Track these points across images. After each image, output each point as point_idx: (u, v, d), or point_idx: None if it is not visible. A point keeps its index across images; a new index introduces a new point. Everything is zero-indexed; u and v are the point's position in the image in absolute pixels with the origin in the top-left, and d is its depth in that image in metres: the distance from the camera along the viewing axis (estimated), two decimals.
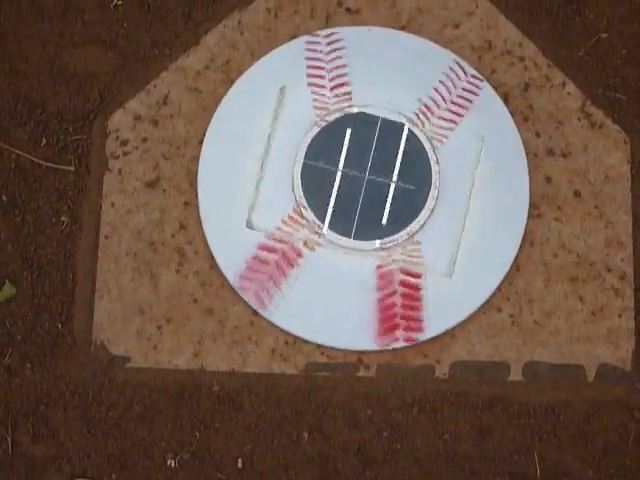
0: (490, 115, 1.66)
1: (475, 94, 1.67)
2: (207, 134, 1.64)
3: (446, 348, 1.60)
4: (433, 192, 1.62)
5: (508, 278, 1.61)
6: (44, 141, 1.66)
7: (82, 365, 1.59)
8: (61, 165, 1.65)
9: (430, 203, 1.62)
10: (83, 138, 1.66)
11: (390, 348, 1.59)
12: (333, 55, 1.67)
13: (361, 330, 1.59)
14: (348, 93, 1.65)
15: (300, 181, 1.62)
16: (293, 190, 1.62)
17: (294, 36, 1.68)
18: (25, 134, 1.66)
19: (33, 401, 1.59)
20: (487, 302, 1.60)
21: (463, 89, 1.66)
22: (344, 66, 1.66)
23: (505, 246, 1.62)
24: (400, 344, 1.59)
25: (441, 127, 1.65)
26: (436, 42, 1.68)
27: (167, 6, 1.70)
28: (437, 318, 1.60)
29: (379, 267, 1.60)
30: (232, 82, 1.67)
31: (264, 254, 1.60)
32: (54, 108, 1.67)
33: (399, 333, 1.59)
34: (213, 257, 1.61)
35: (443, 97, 1.66)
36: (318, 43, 1.67)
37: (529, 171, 1.64)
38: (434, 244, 1.61)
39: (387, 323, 1.59)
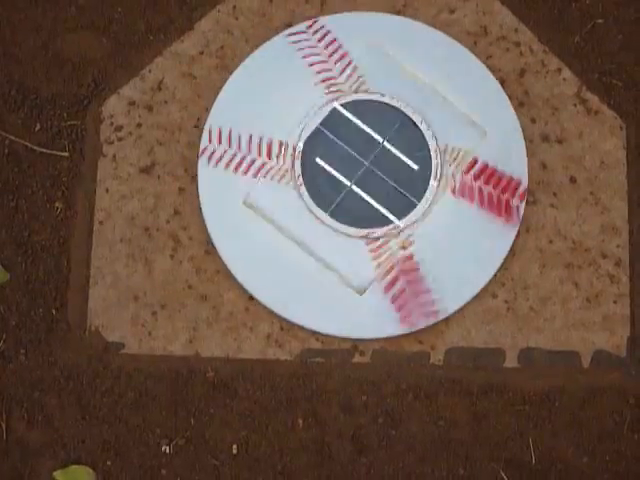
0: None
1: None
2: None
3: (441, 334, 1.60)
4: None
5: (504, 264, 1.61)
6: (38, 127, 1.65)
7: (76, 351, 1.59)
8: (55, 151, 1.65)
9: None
10: (77, 124, 1.65)
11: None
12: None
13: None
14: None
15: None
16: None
17: (289, 23, 1.68)
18: (19, 120, 1.66)
19: (27, 387, 1.59)
20: (482, 288, 1.60)
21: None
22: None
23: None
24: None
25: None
26: (432, 27, 1.68)
27: None
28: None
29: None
30: (227, 68, 1.66)
31: (394, 289, 1.60)
32: (48, 94, 1.66)
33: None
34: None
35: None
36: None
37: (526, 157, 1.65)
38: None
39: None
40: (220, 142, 1.63)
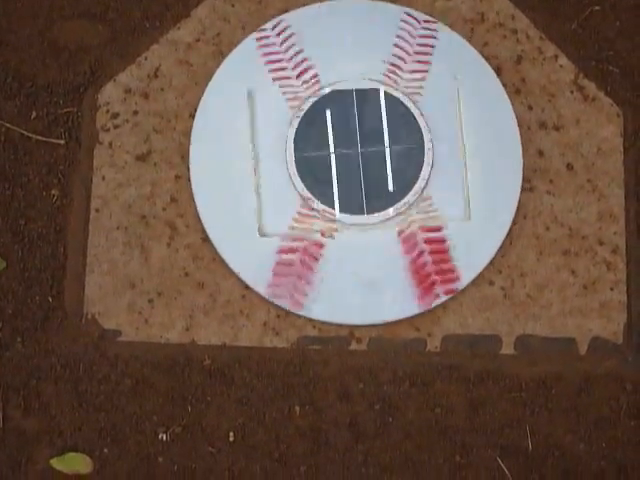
0: (456, 53, 1.66)
1: (434, 37, 1.66)
2: (190, 151, 1.63)
3: (437, 321, 1.60)
4: (427, 145, 1.62)
5: (500, 251, 1.61)
6: (34, 114, 1.65)
7: (73, 339, 1.59)
8: (51, 138, 1.64)
9: (428, 157, 1.61)
10: (73, 111, 1.65)
11: (434, 306, 1.59)
12: (287, 43, 1.66)
13: (402, 298, 1.59)
14: (315, 76, 1.64)
15: (298, 175, 1.61)
16: (294, 186, 1.61)
17: (285, 9, 1.68)
18: (15, 107, 1.65)
19: (24, 375, 1.58)
20: (479, 275, 1.60)
21: (420, 36, 1.66)
22: (301, 51, 1.65)
23: (509, 178, 1.63)
24: (443, 298, 1.59)
25: (414, 79, 1.64)
26: (428, 14, 1.67)
27: None
28: (468, 263, 1.60)
29: (400, 233, 1.60)
30: (223, 55, 1.66)
31: (286, 256, 1.59)
32: (44, 81, 1.66)
33: (438, 289, 1.59)
34: (234, 271, 1.60)
35: (405, 50, 1.65)
36: (268, 37, 1.66)
37: (522, 143, 1.64)
38: (444, 194, 1.62)
39: (424, 283, 1.59)
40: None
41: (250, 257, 1.59)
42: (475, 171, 1.62)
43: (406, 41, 1.65)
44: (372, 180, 1.61)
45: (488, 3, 1.69)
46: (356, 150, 1.62)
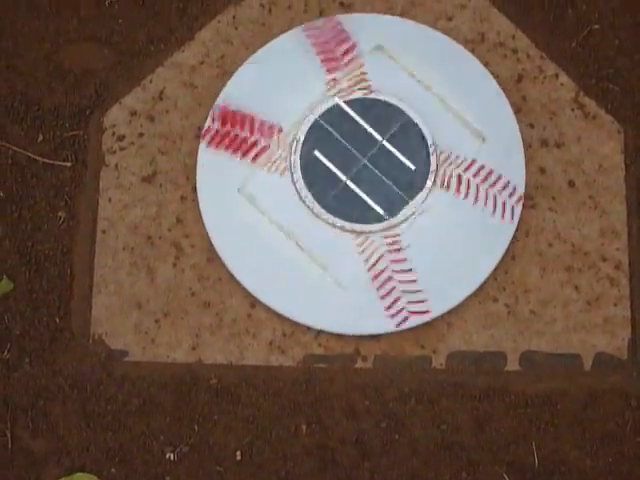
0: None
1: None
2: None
3: (442, 338, 1.60)
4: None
5: (504, 268, 1.62)
6: (41, 137, 1.67)
7: (80, 359, 1.60)
8: (58, 161, 1.66)
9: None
10: (79, 134, 1.67)
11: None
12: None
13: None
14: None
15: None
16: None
17: (288, 30, 1.70)
18: (22, 130, 1.67)
19: (32, 395, 1.59)
20: (483, 292, 1.61)
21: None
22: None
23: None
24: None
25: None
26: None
27: (162, 2, 1.71)
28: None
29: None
30: (227, 77, 1.67)
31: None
32: (50, 104, 1.68)
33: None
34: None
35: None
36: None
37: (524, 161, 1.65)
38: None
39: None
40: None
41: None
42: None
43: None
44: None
45: (488, 23, 1.71)
46: (362, 160, 1.64)
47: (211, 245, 1.62)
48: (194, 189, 1.64)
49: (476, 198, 1.62)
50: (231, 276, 1.61)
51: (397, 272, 1.60)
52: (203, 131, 1.65)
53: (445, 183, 1.63)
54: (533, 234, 1.64)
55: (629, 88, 1.70)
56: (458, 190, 1.62)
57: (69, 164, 1.66)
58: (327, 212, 1.62)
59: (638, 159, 1.67)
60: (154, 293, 1.62)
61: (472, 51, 1.69)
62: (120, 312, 1.61)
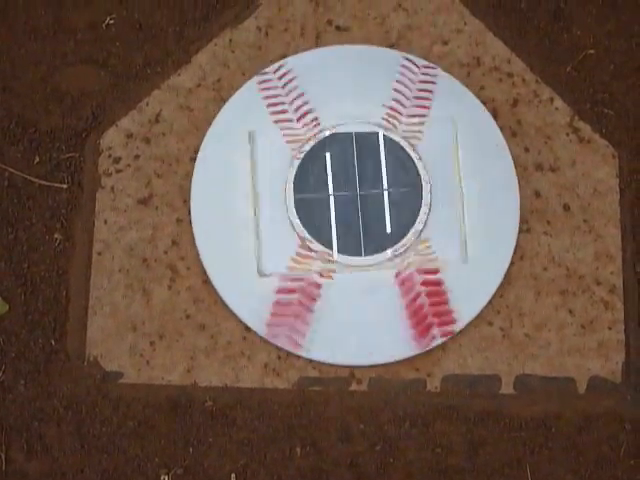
0: (454, 97, 1.68)
1: (433, 83, 1.68)
2: (191, 196, 1.65)
3: (437, 362, 1.61)
4: (425, 188, 1.64)
5: (499, 291, 1.62)
6: (37, 159, 1.67)
7: (75, 381, 1.60)
8: (54, 183, 1.66)
9: (426, 200, 1.63)
10: (76, 156, 1.67)
11: (432, 347, 1.60)
12: (289, 87, 1.68)
13: (398, 340, 1.60)
14: (315, 119, 1.66)
15: (297, 216, 1.62)
16: (293, 227, 1.62)
17: (284, 55, 1.70)
18: (18, 152, 1.67)
19: (27, 417, 1.59)
20: (478, 315, 1.61)
21: (420, 82, 1.68)
22: (302, 94, 1.67)
23: (506, 220, 1.64)
24: (439, 340, 1.60)
25: (412, 124, 1.66)
26: (425, 59, 1.70)
27: (159, 25, 1.72)
28: (465, 305, 1.61)
29: (398, 275, 1.61)
30: (223, 100, 1.68)
31: (284, 297, 1.61)
32: (47, 126, 1.68)
33: (435, 330, 1.60)
34: (233, 312, 1.61)
35: (405, 95, 1.67)
36: (270, 80, 1.68)
37: (519, 185, 1.66)
38: (441, 236, 1.63)
39: (421, 325, 1.60)
40: (280, 77, 1.68)
41: (249, 298, 1.61)
42: (473, 214, 1.64)
43: (406, 86, 1.67)
44: (370, 222, 1.63)
45: (484, 47, 1.72)
46: (355, 192, 1.63)
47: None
48: (190, 211, 1.64)
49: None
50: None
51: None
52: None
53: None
54: (528, 258, 1.64)
55: (624, 112, 1.70)
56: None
57: (65, 186, 1.66)
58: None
59: (633, 183, 1.68)
60: (149, 315, 1.62)
61: (467, 75, 1.70)
62: (115, 334, 1.61)
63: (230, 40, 1.71)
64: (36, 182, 1.66)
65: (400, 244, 1.61)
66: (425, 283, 1.61)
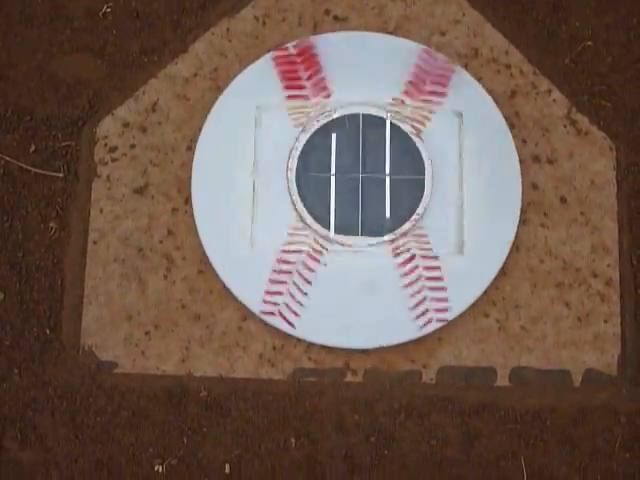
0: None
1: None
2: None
3: (433, 353, 1.60)
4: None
5: (495, 283, 1.62)
6: (33, 148, 1.66)
7: (70, 371, 1.60)
8: (50, 171, 1.66)
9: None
10: (72, 145, 1.67)
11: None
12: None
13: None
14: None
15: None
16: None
17: (281, 45, 1.69)
18: (14, 141, 1.67)
19: (21, 407, 1.59)
20: (474, 307, 1.61)
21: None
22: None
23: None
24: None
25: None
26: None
27: (156, 14, 1.71)
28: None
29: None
30: (220, 89, 1.67)
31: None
32: (43, 115, 1.68)
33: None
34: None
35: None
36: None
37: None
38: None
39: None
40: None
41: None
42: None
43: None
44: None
45: (482, 39, 1.71)
46: (357, 175, 1.63)
47: (202, 257, 1.62)
48: (186, 201, 1.64)
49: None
50: (222, 288, 1.61)
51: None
52: (278, 50, 1.67)
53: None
54: (524, 250, 1.64)
55: (621, 105, 1.70)
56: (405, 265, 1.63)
57: (61, 175, 1.66)
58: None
59: (630, 176, 1.68)
60: (144, 305, 1.61)
61: (465, 66, 1.69)
62: (110, 324, 1.61)
63: (227, 29, 1.71)
64: (32, 171, 1.66)
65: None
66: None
